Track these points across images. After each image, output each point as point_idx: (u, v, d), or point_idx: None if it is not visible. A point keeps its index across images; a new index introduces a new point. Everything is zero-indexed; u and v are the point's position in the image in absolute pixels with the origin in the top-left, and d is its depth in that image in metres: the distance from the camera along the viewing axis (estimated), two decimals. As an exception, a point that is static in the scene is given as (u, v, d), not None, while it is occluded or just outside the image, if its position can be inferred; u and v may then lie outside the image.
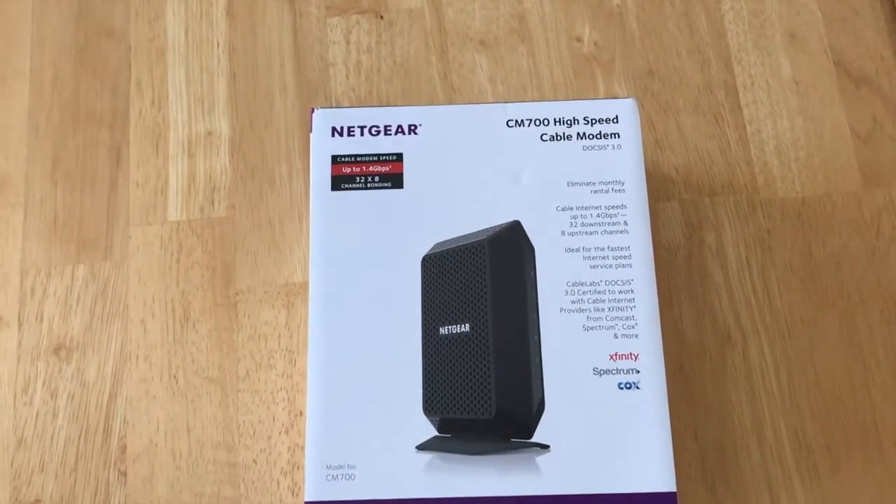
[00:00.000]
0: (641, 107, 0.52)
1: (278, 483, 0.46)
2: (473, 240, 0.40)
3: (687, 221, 0.50)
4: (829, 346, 0.48)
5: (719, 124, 0.52)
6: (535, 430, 0.38)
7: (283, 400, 0.47)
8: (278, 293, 0.49)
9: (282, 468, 0.46)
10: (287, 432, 0.47)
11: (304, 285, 0.49)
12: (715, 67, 0.53)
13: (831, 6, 0.54)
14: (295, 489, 0.46)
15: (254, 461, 0.46)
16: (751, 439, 0.47)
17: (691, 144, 0.52)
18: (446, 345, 0.39)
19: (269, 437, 0.47)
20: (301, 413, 0.47)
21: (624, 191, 0.41)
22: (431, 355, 0.39)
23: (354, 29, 0.54)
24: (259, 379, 0.48)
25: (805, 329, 0.48)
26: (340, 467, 0.37)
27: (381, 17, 0.54)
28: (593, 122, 0.42)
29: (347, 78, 0.53)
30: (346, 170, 0.41)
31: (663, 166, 0.51)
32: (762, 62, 0.53)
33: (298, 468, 0.46)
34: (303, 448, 0.46)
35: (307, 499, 0.37)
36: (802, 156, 0.51)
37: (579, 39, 0.54)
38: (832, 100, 0.53)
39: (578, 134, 0.42)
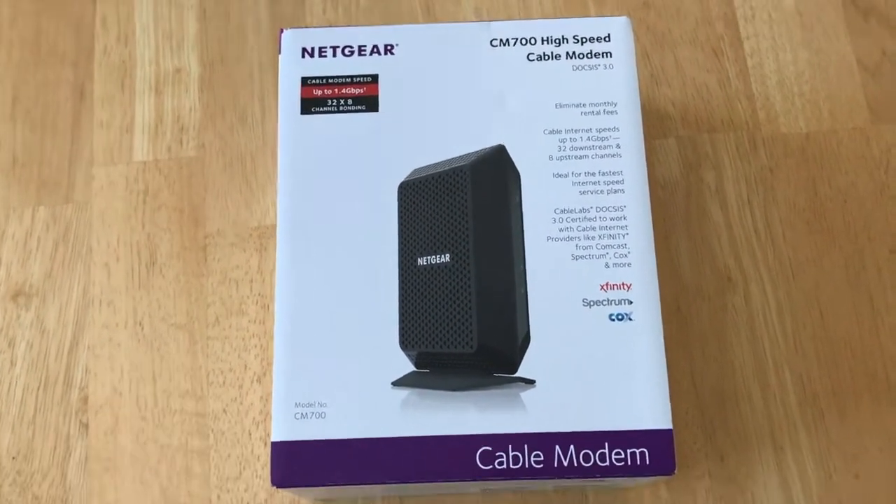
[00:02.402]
0: (636, 39, 0.49)
1: (250, 433, 0.43)
2: (454, 165, 0.37)
3: (684, 159, 0.47)
4: (835, 287, 0.45)
5: (718, 58, 0.49)
6: (519, 364, 0.35)
7: (256, 347, 0.44)
8: (250, 236, 0.46)
9: (254, 418, 0.43)
10: (259, 381, 0.44)
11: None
12: (714, -1, 0.50)
13: (836, -66, 0.51)
14: (267, 440, 0.43)
15: (224, 411, 0.44)
16: (752, 385, 0.44)
17: (689, 78, 0.49)
18: (425, 276, 0.36)
19: (241, 386, 0.44)
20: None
21: (616, 112, 0.38)
22: (409, 287, 0.36)
23: (332, -39, 0.51)
24: (230, 326, 0.45)
25: (810, 270, 0.45)
26: (310, 405, 0.35)
27: (361, -51, 0.51)
28: (584, 41, 0.39)
29: (324, 12, 0.50)
30: (317, 92, 0.38)
31: (659, 101, 0.48)
32: (763, -7, 0.50)
33: (270, 417, 0.43)
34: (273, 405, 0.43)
35: (273, 439, 0.34)
36: (807, 90, 0.49)
37: (570, -30, 0.51)
38: (838, 32, 0.50)
39: (568, 53, 0.39)
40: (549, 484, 0.39)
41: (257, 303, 0.45)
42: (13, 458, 0.43)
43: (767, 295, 0.45)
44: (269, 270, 0.46)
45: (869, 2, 0.50)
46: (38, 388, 0.44)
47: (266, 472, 0.43)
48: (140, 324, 0.45)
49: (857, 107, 0.48)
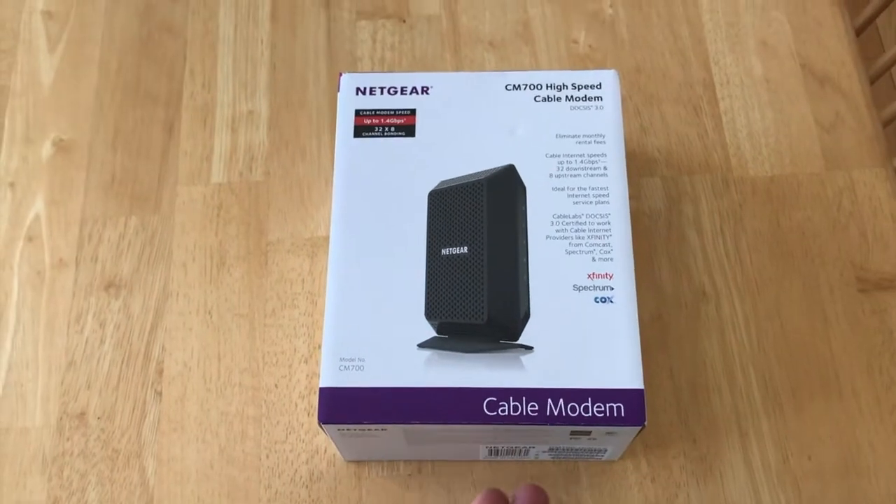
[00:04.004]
0: (629, 98, 0.59)
1: (296, 405, 0.52)
2: (474, 178, 0.47)
3: (668, 195, 0.57)
4: (793, 302, 0.53)
5: (698, 114, 0.59)
6: (520, 334, 0.43)
7: (304, 335, 0.53)
8: (304, 245, 0.56)
9: (300, 392, 0.52)
10: (306, 362, 0.53)
11: (327, 239, 0.55)
12: (695, 67, 0.60)
13: (799, 19, 0.62)
14: (310, 410, 0.51)
15: (275, 385, 0.52)
16: (722, 381, 0.52)
17: (673, 130, 0.58)
18: (447, 262, 0.45)
19: (290, 366, 0.52)
20: (319, 346, 0.53)
21: (604, 142, 0.47)
22: (434, 270, 0.45)
23: (380, 30, 0.62)
24: (284, 316, 0.54)
25: (772, 287, 0.54)
26: (352, 360, 0.43)
27: (404, 21, 0.63)
28: (580, 87, 0.49)
29: (372, 70, 0.61)
30: (367, 121, 0.49)
31: (648, 147, 0.58)
32: (737, 63, 0.60)
33: (314, 392, 0.52)
34: (319, 376, 0.52)
35: (322, 385, 0.43)
36: (772, 142, 0.58)
37: (576, 42, 0.61)
38: (799, 96, 0.59)
39: (567, 97, 0.49)
40: (545, 447, 0.47)
41: (307, 299, 0.54)
42: (98, 417, 0.52)
43: (736, 307, 0.53)
44: (318, 272, 0.55)
45: (825, 72, 0.60)
46: (122, 362, 0.53)
47: (308, 437, 0.51)
48: (209, 312, 0.54)
49: (814, 156, 0.57)
